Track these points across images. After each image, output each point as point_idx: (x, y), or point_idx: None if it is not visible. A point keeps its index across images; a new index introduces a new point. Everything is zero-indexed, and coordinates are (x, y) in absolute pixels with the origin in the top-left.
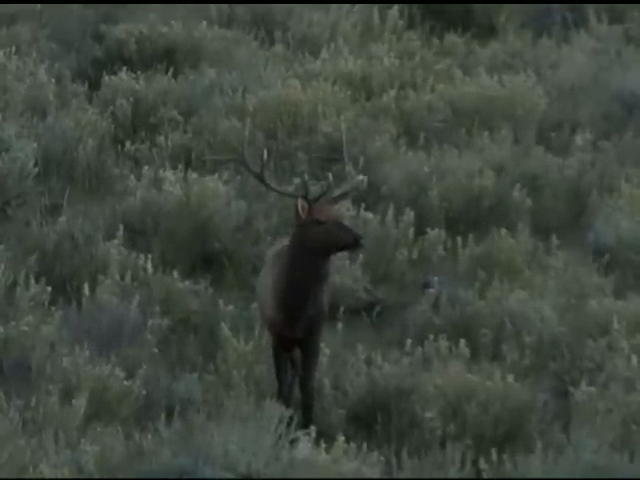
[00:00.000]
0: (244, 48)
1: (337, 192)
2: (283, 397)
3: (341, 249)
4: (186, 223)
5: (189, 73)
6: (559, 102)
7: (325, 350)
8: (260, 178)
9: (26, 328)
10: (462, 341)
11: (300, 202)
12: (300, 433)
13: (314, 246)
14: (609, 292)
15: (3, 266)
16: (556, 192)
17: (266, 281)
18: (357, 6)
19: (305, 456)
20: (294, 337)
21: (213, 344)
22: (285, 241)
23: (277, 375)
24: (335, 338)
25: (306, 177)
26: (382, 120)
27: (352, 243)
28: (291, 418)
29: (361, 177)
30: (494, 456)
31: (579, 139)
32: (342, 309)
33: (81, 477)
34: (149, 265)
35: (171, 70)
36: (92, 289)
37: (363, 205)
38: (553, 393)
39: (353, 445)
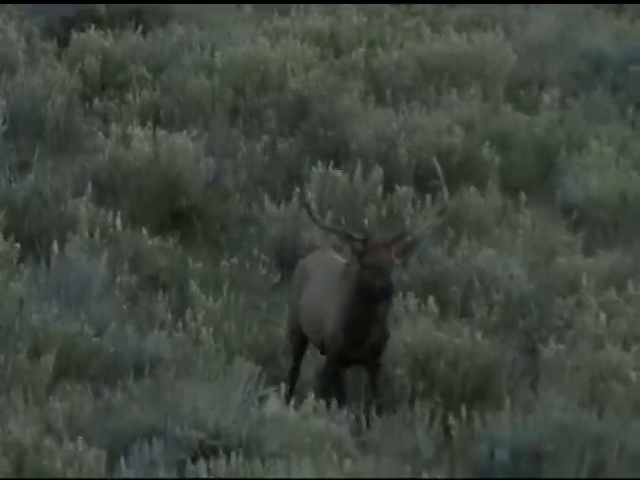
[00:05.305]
0: (213, 6)
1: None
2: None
3: (369, 298)
4: (155, 180)
5: (158, 31)
6: (527, 60)
7: None
8: (317, 221)
9: None
10: (431, 298)
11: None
12: (269, 390)
13: (356, 288)
14: (578, 249)
15: None
16: (525, 150)
17: (327, 293)
18: None
19: (274, 413)
20: (357, 358)
21: (182, 301)
22: (322, 253)
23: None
24: None
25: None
26: (351, 77)
27: (375, 294)
28: (260, 375)
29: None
30: (463, 413)
31: (547, 97)
32: None
33: (50, 434)
34: (118, 222)
35: (140, 28)
36: (61, 246)
37: (332, 162)
38: (521, 350)
39: (322, 402)
